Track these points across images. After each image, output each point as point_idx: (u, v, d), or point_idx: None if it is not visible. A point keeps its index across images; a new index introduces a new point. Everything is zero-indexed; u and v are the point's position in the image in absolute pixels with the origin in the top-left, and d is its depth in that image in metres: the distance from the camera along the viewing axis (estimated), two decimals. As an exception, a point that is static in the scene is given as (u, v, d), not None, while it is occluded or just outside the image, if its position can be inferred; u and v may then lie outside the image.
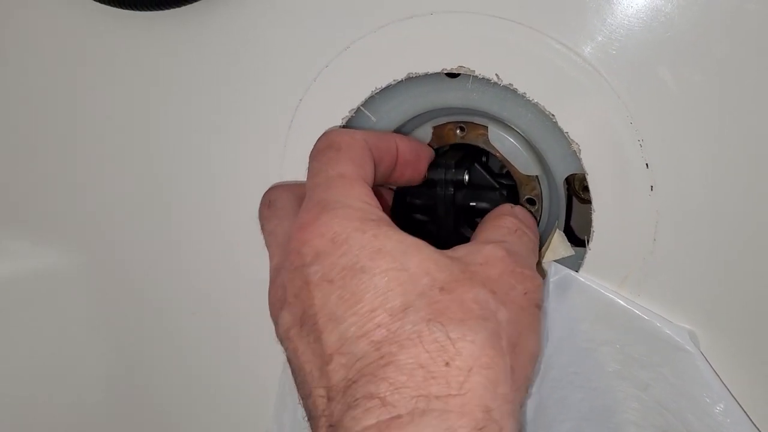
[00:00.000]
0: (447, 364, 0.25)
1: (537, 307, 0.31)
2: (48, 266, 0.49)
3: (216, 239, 0.44)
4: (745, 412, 0.35)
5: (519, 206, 0.38)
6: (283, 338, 0.29)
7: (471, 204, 0.41)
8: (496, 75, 0.35)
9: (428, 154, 0.38)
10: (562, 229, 0.40)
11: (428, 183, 0.39)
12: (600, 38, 0.33)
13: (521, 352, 0.29)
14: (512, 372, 0.27)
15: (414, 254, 0.28)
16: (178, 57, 0.40)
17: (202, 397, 0.49)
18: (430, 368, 0.25)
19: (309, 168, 0.32)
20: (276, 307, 0.29)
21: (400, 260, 0.27)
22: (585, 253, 0.37)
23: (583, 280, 0.37)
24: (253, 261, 0.43)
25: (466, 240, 0.41)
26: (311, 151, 0.32)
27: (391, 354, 0.25)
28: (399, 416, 0.24)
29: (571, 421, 0.38)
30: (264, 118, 0.40)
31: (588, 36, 0.33)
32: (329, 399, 0.26)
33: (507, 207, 0.37)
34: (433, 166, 0.39)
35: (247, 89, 0.39)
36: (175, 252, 0.46)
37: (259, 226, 0.42)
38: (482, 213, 0.40)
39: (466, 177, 0.40)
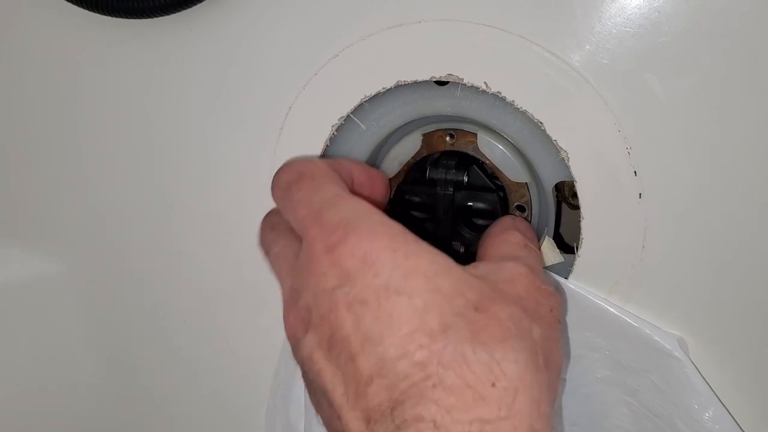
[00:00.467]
0: (493, 384, 0.25)
1: (560, 322, 0.31)
2: (39, 273, 0.49)
3: (207, 245, 0.44)
4: (733, 418, 0.35)
5: (519, 218, 0.38)
6: (305, 360, 0.28)
7: (469, 204, 0.41)
8: (485, 83, 0.35)
9: (383, 178, 0.37)
10: (552, 235, 0.40)
11: (428, 182, 0.40)
12: (588, 47, 0.33)
13: (553, 368, 0.29)
14: (548, 389, 0.27)
15: (446, 274, 0.27)
16: (168, 64, 0.40)
17: (194, 403, 0.49)
18: (477, 389, 0.25)
19: (288, 201, 0.31)
20: (298, 330, 0.29)
21: (434, 281, 0.27)
22: (574, 259, 0.37)
23: (572, 286, 0.37)
24: (244, 268, 0.44)
25: (463, 238, 0.41)
26: (277, 189, 0.32)
27: (437, 375, 0.25)
28: None
29: (561, 426, 0.39)
30: (254, 125, 0.40)
31: (576, 44, 0.33)
32: (369, 420, 0.25)
33: (509, 220, 0.37)
34: (433, 166, 0.40)
35: (237, 97, 0.39)
36: (166, 258, 0.46)
37: (250, 235, 0.42)
38: (479, 213, 0.42)
39: (465, 178, 0.40)
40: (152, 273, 0.46)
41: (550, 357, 0.29)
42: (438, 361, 0.25)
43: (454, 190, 0.40)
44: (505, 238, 0.35)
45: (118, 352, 0.50)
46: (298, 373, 0.38)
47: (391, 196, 0.42)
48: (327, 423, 0.29)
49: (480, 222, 0.42)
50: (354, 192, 0.33)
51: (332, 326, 0.27)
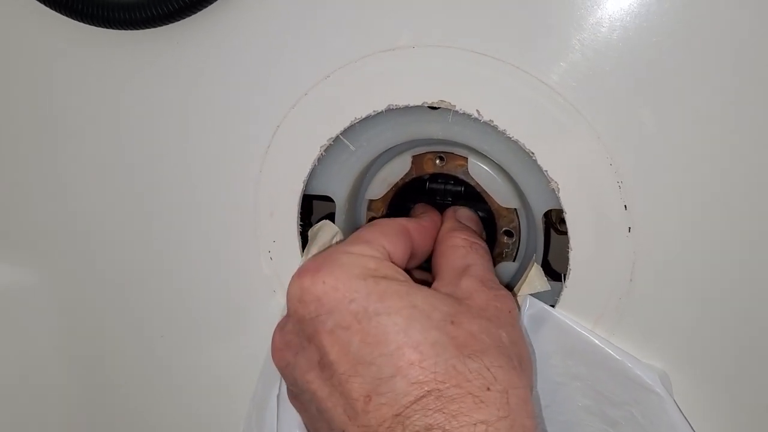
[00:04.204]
0: (488, 389, 0.27)
1: (518, 320, 0.34)
2: (12, 282, 0.47)
3: (187, 262, 0.43)
4: (712, 457, 0.35)
5: (460, 208, 0.40)
6: (299, 381, 0.30)
7: None
8: (477, 111, 0.34)
9: (435, 222, 0.39)
10: (540, 262, 0.40)
11: (428, 192, 0.42)
12: (583, 80, 0.33)
13: (526, 368, 0.32)
14: (528, 387, 0.30)
15: (417, 293, 0.30)
16: (154, 78, 0.39)
17: (170, 422, 0.48)
18: (476, 394, 0.27)
19: None
20: (287, 353, 0.31)
21: (408, 299, 0.29)
22: (561, 289, 0.37)
23: (558, 315, 0.37)
24: (225, 287, 0.43)
25: None
26: None
27: (438, 390, 0.27)
28: None
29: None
30: (240, 142, 0.39)
31: (571, 77, 0.33)
32: None
33: (451, 221, 0.38)
34: (433, 177, 0.42)
35: (224, 113, 0.39)
36: (145, 274, 0.45)
37: (232, 252, 0.42)
38: None
39: (463, 189, 0.42)
40: (130, 288, 0.45)
41: (522, 357, 0.31)
42: (434, 377, 0.27)
43: (453, 199, 0.42)
44: (451, 245, 0.36)
45: (92, 367, 0.49)
46: (272, 395, 0.38)
47: (386, 212, 0.42)
48: None
49: None
50: (415, 247, 0.35)
51: (320, 350, 0.29)
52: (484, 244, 0.37)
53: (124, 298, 0.46)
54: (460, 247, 0.36)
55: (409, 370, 0.27)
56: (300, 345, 0.30)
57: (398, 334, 0.28)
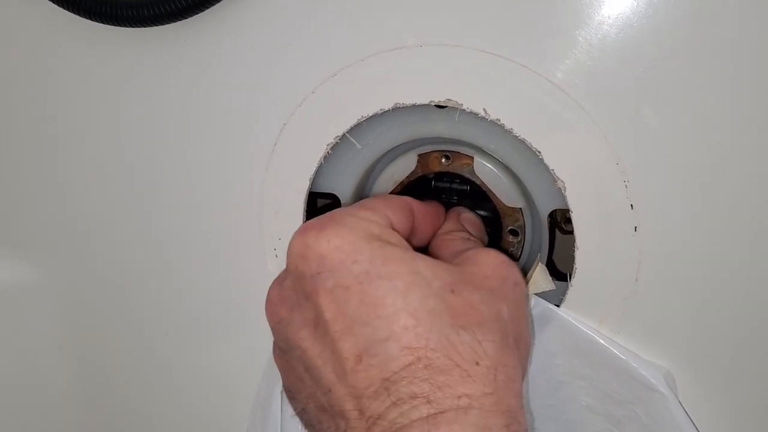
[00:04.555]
0: (477, 363, 0.27)
1: (525, 297, 0.33)
2: (15, 280, 0.47)
3: (192, 260, 0.43)
4: (716, 456, 0.35)
5: (464, 211, 0.39)
6: (291, 337, 0.30)
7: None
8: (484, 110, 0.35)
9: (439, 210, 0.39)
10: (545, 262, 0.40)
11: (434, 191, 0.42)
12: (590, 79, 0.33)
13: (522, 347, 0.31)
14: (520, 368, 0.30)
15: (420, 260, 0.29)
16: (161, 75, 0.39)
17: (173, 420, 0.48)
18: (464, 367, 0.27)
19: None
20: (281, 308, 0.31)
21: (411, 265, 0.29)
22: (567, 288, 0.37)
23: (562, 314, 0.37)
24: (230, 284, 0.43)
25: None
26: None
27: (427, 358, 0.27)
28: (443, 412, 0.26)
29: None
30: (247, 140, 0.39)
31: (578, 76, 0.33)
32: (360, 396, 0.27)
33: (453, 222, 0.38)
34: (438, 176, 0.41)
35: (231, 110, 0.39)
36: (149, 272, 0.45)
37: (236, 250, 0.42)
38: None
39: (468, 187, 0.42)
40: (133, 286, 0.45)
41: (520, 336, 0.31)
42: (426, 344, 0.27)
43: (459, 198, 0.42)
44: (449, 239, 0.36)
45: (94, 366, 0.49)
46: (276, 393, 0.37)
47: None
48: (308, 397, 0.30)
49: None
50: (416, 227, 0.35)
51: (316, 308, 0.29)
52: (481, 243, 0.37)
53: (127, 297, 0.46)
54: (459, 239, 0.36)
55: (402, 334, 0.27)
56: (296, 301, 0.30)
57: (396, 298, 0.28)
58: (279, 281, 0.32)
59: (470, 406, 0.26)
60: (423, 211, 0.35)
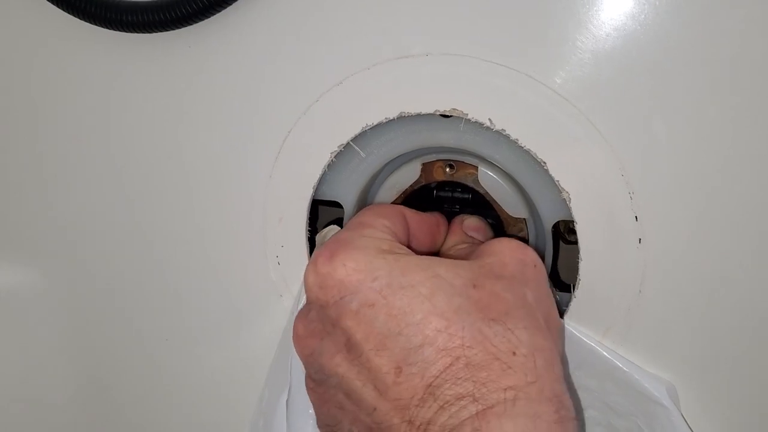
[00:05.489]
0: (514, 353, 0.27)
1: (547, 278, 0.33)
2: (14, 286, 0.47)
3: (194, 267, 0.43)
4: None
5: (469, 217, 0.39)
6: (326, 367, 0.30)
7: None
8: (489, 119, 0.34)
9: (438, 221, 0.38)
10: (549, 272, 0.39)
11: (437, 200, 0.42)
12: (596, 90, 0.33)
13: (553, 327, 0.31)
14: (556, 349, 0.30)
15: (437, 264, 0.30)
16: (165, 80, 0.39)
17: (173, 427, 0.48)
18: (503, 359, 0.27)
19: None
20: (311, 340, 0.31)
21: (430, 270, 0.29)
22: (570, 300, 0.37)
23: (566, 326, 0.37)
24: (231, 291, 0.43)
25: None
26: None
27: (465, 356, 0.27)
28: (491, 407, 0.26)
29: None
30: (251, 147, 0.39)
31: (584, 88, 0.33)
32: (406, 407, 0.27)
33: (458, 235, 0.38)
34: (441, 185, 0.42)
35: (235, 116, 0.38)
36: (149, 278, 0.44)
37: (238, 257, 0.42)
38: None
39: (470, 196, 0.42)
40: (136, 291, 0.45)
41: (549, 317, 0.31)
42: (461, 343, 0.27)
43: (461, 207, 0.42)
44: (456, 251, 0.37)
45: (95, 371, 0.49)
46: (282, 400, 0.37)
47: None
48: (351, 423, 0.30)
49: None
50: (412, 238, 0.35)
51: (346, 332, 0.29)
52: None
53: (129, 302, 0.45)
54: (465, 250, 0.36)
55: (436, 337, 0.27)
56: (324, 330, 0.30)
57: (423, 304, 0.28)
58: (303, 315, 0.32)
59: (516, 398, 0.26)
60: (417, 219, 0.35)
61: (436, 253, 0.38)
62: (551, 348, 0.29)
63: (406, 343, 0.28)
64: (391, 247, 0.31)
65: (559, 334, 0.33)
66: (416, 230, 0.35)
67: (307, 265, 0.31)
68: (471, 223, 0.39)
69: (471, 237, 0.38)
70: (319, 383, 0.31)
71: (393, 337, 0.28)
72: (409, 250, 0.32)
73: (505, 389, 0.26)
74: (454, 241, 0.38)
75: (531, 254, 0.32)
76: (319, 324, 0.31)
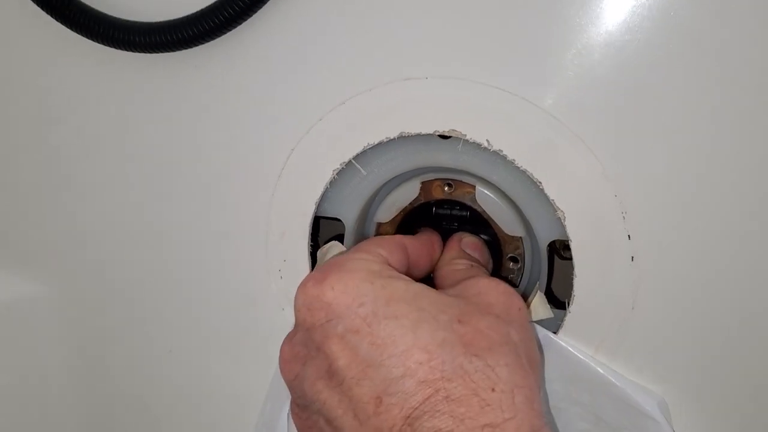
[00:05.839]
0: (493, 389, 0.28)
1: (528, 320, 0.34)
2: (21, 295, 0.48)
3: (198, 280, 0.44)
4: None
5: (466, 235, 0.40)
6: (307, 391, 0.30)
7: None
8: (487, 140, 0.36)
9: (435, 241, 0.39)
10: (544, 290, 0.40)
11: (435, 217, 0.42)
12: (591, 113, 0.34)
13: (534, 367, 0.31)
14: (536, 386, 0.30)
15: (423, 296, 0.30)
16: (170, 99, 0.40)
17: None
18: (482, 396, 0.27)
19: None
20: (294, 363, 0.31)
21: (414, 303, 0.30)
22: (565, 315, 0.37)
23: (560, 341, 0.38)
24: (235, 303, 0.44)
25: None
26: None
27: (445, 389, 0.27)
28: None
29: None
30: (255, 164, 0.40)
31: (579, 110, 0.34)
32: None
33: (455, 251, 0.39)
34: (439, 203, 0.42)
35: (240, 134, 0.40)
36: (155, 289, 0.45)
37: (241, 271, 0.42)
38: None
39: (468, 213, 0.42)
40: (140, 303, 0.46)
41: (531, 356, 0.31)
42: (441, 375, 0.27)
43: (459, 224, 0.42)
44: (453, 269, 0.37)
45: (100, 381, 0.49)
46: (283, 413, 0.38)
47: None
48: None
49: None
50: (413, 266, 0.36)
51: (328, 357, 0.29)
52: (483, 268, 0.38)
53: (133, 313, 0.46)
54: (462, 267, 0.37)
55: (417, 369, 0.27)
56: (308, 355, 0.31)
57: (406, 336, 0.28)
58: (289, 338, 0.32)
59: None
60: (417, 245, 0.36)
61: (433, 270, 0.38)
62: (531, 386, 0.29)
63: (388, 373, 0.28)
64: (381, 269, 0.31)
65: (539, 372, 0.33)
66: (416, 257, 0.36)
67: (298, 287, 0.31)
68: (469, 241, 0.40)
69: (468, 254, 0.39)
70: (302, 408, 0.32)
71: (375, 367, 0.28)
72: (401, 274, 0.32)
73: (483, 427, 0.26)
74: (451, 255, 0.38)
75: (516, 299, 0.33)
76: (304, 348, 0.31)
